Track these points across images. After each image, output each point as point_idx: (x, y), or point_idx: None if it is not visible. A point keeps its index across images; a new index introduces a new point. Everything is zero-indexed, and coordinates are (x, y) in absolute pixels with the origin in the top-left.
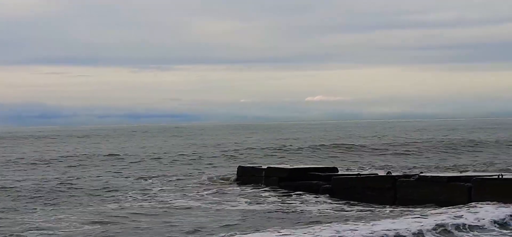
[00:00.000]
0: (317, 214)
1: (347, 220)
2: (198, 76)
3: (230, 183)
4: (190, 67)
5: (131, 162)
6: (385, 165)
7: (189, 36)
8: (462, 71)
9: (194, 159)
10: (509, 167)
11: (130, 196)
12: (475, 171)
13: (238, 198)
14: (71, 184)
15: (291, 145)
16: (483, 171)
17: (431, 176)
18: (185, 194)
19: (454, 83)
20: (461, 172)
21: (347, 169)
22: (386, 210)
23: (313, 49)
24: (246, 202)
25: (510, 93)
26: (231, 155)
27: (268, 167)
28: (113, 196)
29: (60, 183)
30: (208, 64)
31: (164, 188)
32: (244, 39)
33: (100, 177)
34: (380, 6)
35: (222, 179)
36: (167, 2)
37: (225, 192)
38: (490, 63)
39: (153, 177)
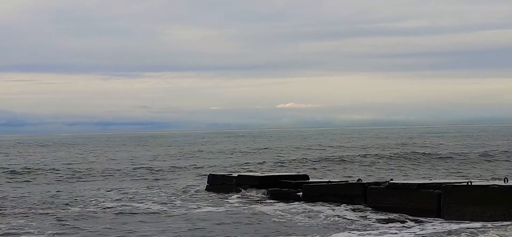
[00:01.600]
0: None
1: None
2: (169, 83)
3: (200, 192)
4: (160, 75)
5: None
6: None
7: (160, 43)
8: (432, 78)
9: (162, 169)
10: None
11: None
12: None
13: (205, 206)
14: None
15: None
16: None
17: (401, 183)
18: (149, 207)
19: (425, 90)
20: (431, 179)
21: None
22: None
23: (284, 56)
24: (212, 210)
25: (481, 100)
26: (200, 166)
27: (239, 175)
28: (77, 201)
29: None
30: (179, 72)
31: (122, 198)
32: (215, 46)
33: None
34: (351, 14)
35: (192, 188)
36: (137, 10)
37: (192, 200)
38: (460, 70)
39: (111, 190)
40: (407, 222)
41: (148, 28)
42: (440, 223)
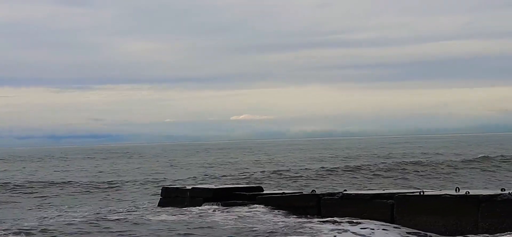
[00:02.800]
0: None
1: None
2: (122, 96)
3: (153, 205)
4: (113, 87)
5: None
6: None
7: (113, 56)
8: (384, 89)
9: (115, 183)
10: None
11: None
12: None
13: (157, 218)
14: None
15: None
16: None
17: (354, 193)
18: (97, 223)
19: (377, 101)
20: (384, 189)
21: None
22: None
23: (238, 68)
24: (166, 219)
25: (432, 110)
26: (154, 179)
27: (192, 188)
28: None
29: None
30: (132, 84)
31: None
32: (169, 58)
33: None
34: (304, 26)
35: (146, 201)
36: (90, 22)
37: (144, 213)
38: (411, 81)
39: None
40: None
41: (100, 41)
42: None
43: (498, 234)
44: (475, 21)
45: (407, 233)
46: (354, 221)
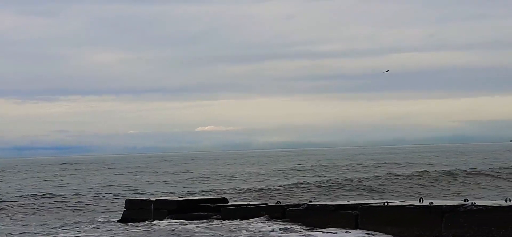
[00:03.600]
0: None
1: None
2: (86, 107)
3: (117, 216)
4: (78, 98)
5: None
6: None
7: (77, 67)
8: (349, 100)
9: (75, 195)
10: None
11: None
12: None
13: (121, 230)
14: None
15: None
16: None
17: (319, 204)
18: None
19: (342, 112)
20: (348, 200)
21: (241, 199)
22: None
23: (203, 80)
24: (129, 230)
25: (396, 121)
26: (117, 194)
27: (156, 200)
28: None
29: None
30: (97, 95)
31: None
32: (133, 69)
33: None
34: (270, 37)
35: (110, 212)
36: (56, 33)
37: (108, 224)
38: (376, 93)
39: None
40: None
41: (65, 52)
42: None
43: None
44: (439, 33)
45: (367, 233)
46: (319, 230)
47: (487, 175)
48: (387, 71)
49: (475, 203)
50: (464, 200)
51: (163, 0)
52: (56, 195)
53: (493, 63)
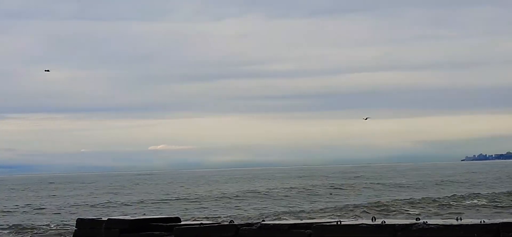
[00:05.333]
0: None
1: None
2: (36, 125)
3: None
4: (27, 116)
5: None
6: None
7: (25, 84)
8: (301, 120)
9: (30, 211)
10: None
11: None
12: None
13: None
14: None
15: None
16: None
17: (272, 224)
18: None
19: (294, 131)
20: (302, 219)
21: (194, 218)
22: None
23: (155, 98)
24: None
25: (349, 141)
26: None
27: (108, 219)
28: None
29: None
30: (47, 113)
31: None
32: (85, 87)
33: None
34: (223, 56)
35: (59, 234)
36: (4, 50)
37: None
38: (329, 112)
39: None
40: None
41: (14, 69)
42: None
43: None
44: (391, 53)
45: None
46: None
47: (444, 197)
48: (366, 119)
49: (426, 222)
50: (416, 219)
51: (116, 18)
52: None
53: (446, 83)
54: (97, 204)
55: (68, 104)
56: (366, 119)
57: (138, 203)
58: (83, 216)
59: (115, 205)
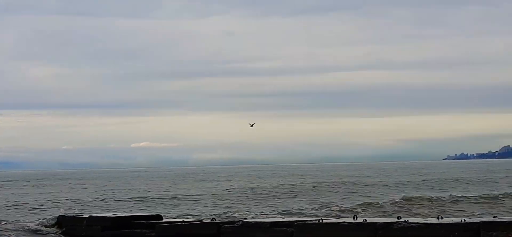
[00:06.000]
0: None
1: None
2: (19, 122)
3: (49, 234)
4: (10, 113)
5: None
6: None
7: (9, 81)
8: (288, 118)
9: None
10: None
11: None
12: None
13: None
14: None
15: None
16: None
17: (254, 222)
18: None
19: (281, 130)
20: (284, 217)
21: (176, 217)
22: None
23: (139, 95)
24: None
25: (336, 139)
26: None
27: (89, 216)
28: None
29: None
30: (30, 110)
31: None
32: (67, 85)
33: None
34: (209, 54)
35: (38, 230)
36: None
37: None
38: (314, 111)
39: None
40: None
41: None
42: None
43: None
44: (376, 53)
45: None
46: None
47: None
48: (252, 125)
49: (408, 220)
50: (398, 218)
51: (101, 15)
52: None
53: (430, 83)
54: (79, 201)
55: (52, 101)
56: (252, 125)
57: (119, 200)
58: (64, 214)
59: (96, 203)
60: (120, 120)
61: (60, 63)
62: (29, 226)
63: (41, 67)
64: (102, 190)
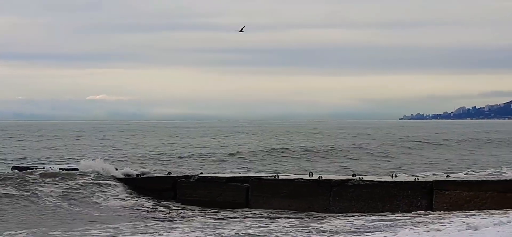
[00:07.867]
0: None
1: None
2: None
3: None
4: None
5: None
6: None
7: None
8: (247, 74)
9: None
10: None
11: None
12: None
13: None
14: None
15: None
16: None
17: (210, 176)
18: None
19: (239, 86)
20: (239, 173)
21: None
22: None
23: (97, 47)
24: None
25: (295, 97)
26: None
27: (43, 167)
28: None
29: None
30: None
31: None
32: (25, 35)
33: None
34: (165, 8)
35: None
36: None
37: None
38: (275, 68)
39: None
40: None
41: None
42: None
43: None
44: (339, 11)
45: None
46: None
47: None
48: (241, 30)
49: (362, 178)
50: (352, 175)
51: None
52: None
53: (390, 42)
54: (32, 152)
55: (9, 51)
56: (242, 30)
57: (73, 155)
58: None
59: (47, 155)
60: (77, 72)
61: (18, 13)
62: None
63: None
64: (53, 143)
